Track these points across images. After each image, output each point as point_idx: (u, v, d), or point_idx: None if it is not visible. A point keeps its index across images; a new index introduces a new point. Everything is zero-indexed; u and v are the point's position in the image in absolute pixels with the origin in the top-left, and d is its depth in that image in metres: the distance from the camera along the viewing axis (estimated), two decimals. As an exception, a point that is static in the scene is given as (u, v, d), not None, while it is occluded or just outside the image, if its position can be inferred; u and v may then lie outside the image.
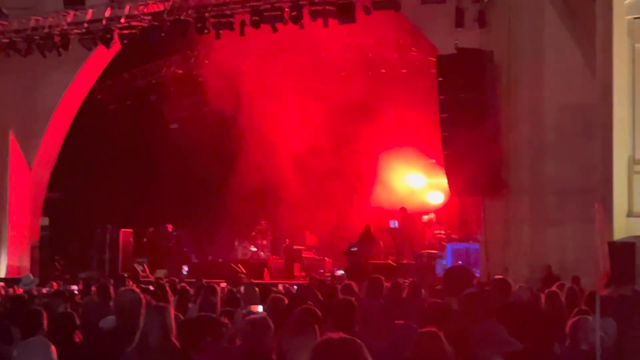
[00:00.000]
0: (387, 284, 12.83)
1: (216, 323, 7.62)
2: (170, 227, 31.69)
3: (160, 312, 7.53)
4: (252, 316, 8.11)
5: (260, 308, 11.28)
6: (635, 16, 23.59)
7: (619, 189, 23.41)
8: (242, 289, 15.18)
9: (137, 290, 9.24)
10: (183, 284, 17.17)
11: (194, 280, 20.89)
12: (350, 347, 3.63)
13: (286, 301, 10.96)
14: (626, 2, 23.32)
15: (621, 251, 20.50)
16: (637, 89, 24.09)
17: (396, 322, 8.65)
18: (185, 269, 29.37)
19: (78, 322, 8.87)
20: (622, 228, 23.19)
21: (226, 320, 8.55)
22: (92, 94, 32.60)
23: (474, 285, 9.00)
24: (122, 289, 9.48)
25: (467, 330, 6.99)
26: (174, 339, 7.52)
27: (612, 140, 23.21)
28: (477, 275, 24.10)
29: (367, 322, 8.45)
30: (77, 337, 8.59)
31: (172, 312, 7.70)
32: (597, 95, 23.42)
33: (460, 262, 24.46)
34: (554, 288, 12.71)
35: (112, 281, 16.18)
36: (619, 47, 23.43)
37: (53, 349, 4.96)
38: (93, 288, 13.98)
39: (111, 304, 11.57)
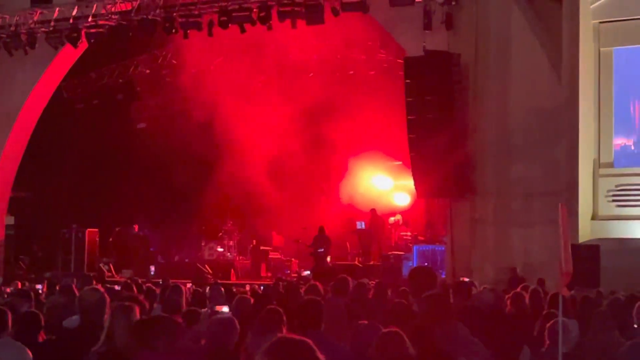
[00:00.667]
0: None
1: (170, 322, 7.61)
2: (136, 227, 31.57)
3: (126, 311, 7.52)
4: (218, 316, 8.11)
5: (225, 308, 11.27)
6: (601, 20, 23.81)
7: (584, 192, 23.62)
8: (207, 289, 15.17)
9: (102, 289, 9.22)
10: (149, 284, 17.11)
11: (160, 280, 20.83)
12: (301, 348, 3.58)
13: (252, 301, 10.97)
14: (592, 6, 23.54)
15: (586, 253, 20.68)
16: (603, 93, 24.31)
17: (360, 322, 8.68)
18: (152, 269, 29.28)
19: (42, 321, 8.82)
20: (587, 231, 23.41)
21: (180, 320, 8.50)
22: (59, 93, 32.41)
23: (438, 286, 9.05)
24: (87, 288, 9.44)
25: (429, 331, 7.02)
26: None
27: (577, 144, 23.41)
28: (443, 276, 24.24)
29: (333, 322, 8.47)
30: (41, 337, 8.54)
31: (138, 311, 7.69)
32: (563, 99, 23.61)
33: (426, 264, 24.56)
34: (518, 290, 12.80)
35: (76, 281, 16.13)
36: (585, 51, 23.63)
37: (27, 349, 4.93)
38: (58, 287, 13.91)
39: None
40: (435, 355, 6.65)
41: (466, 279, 14.54)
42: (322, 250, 28.84)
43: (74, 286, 12.37)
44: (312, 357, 3.54)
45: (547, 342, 8.79)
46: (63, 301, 11.41)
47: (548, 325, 8.94)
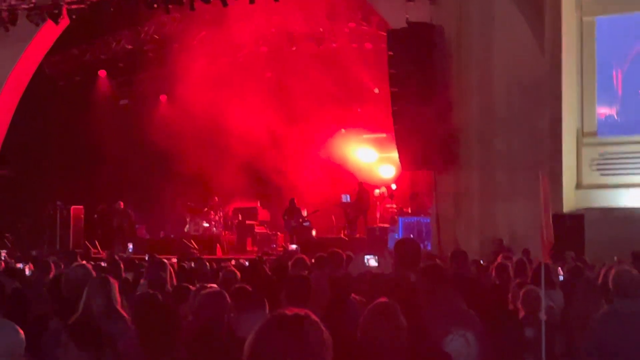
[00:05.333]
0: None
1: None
2: (121, 204, 31.50)
3: (103, 282, 7.59)
4: (208, 290, 8.11)
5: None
6: (583, -10, 23.86)
7: (567, 161, 23.75)
8: (192, 264, 15.17)
9: (88, 266, 9.23)
10: (134, 260, 17.11)
11: (146, 256, 20.82)
12: (305, 324, 3.42)
13: (239, 275, 10.99)
14: (574, -24, 23.57)
15: (571, 223, 20.83)
16: (586, 63, 24.38)
17: (352, 295, 8.72)
18: (130, 246, 29.18)
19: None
20: (572, 200, 23.55)
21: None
22: (41, 70, 32.24)
23: (423, 257, 9.09)
24: (74, 264, 9.46)
25: (424, 303, 7.07)
26: (119, 307, 7.61)
27: (561, 114, 23.51)
28: (429, 248, 24.34)
29: (320, 297, 8.49)
30: (30, 314, 8.59)
31: (117, 285, 7.74)
32: (546, 70, 23.66)
33: (411, 236, 24.62)
34: (499, 260, 12.87)
35: (62, 258, 16.13)
36: (567, 20, 23.69)
37: (19, 330, 4.93)
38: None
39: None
40: (427, 327, 6.69)
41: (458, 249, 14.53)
42: (308, 223, 28.92)
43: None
44: (316, 335, 3.43)
45: (522, 311, 8.83)
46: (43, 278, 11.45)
47: (522, 293, 8.98)
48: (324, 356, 3.43)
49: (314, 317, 3.49)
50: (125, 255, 20.56)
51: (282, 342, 3.39)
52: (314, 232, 29.22)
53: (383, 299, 5.96)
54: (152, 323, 5.50)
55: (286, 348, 3.38)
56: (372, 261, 15.17)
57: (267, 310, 6.63)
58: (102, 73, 35.10)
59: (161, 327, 5.39)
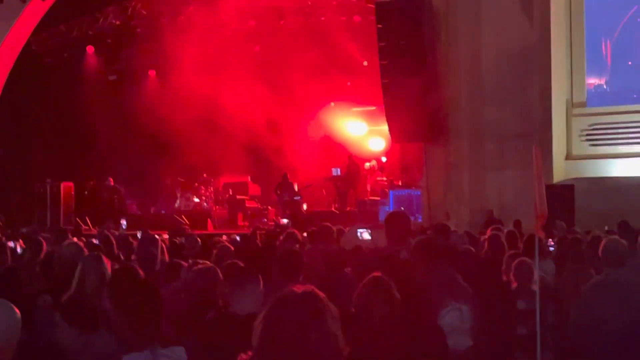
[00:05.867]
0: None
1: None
2: (111, 180, 31.44)
3: (95, 260, 7.59)
4: (199, 266, 8.10)
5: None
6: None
7: (557, 132, 23.78)
8: (183, 240, 15.14)
9: (80, 243, 9.23)
10: (125, 237, 17.04)
11: (137, 232, 20.79)
12: (317, 300, 3.48)
13: (233, 249, 11.00)
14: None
15: (561, 193, 20.86)
16: (575, 33, 24.37)
17: (344, 270, 8.72)
18: (123, 222, 29.11)
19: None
20: (561, 171, 23.61)
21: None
22: (28, 47, 32.08)
23: (414, 230, 9.12)
24: (66, 242, 9.45)
25: (419, 276, 7.10)
26: None
27: (550, 84, 23.51)
28: (420, 220, 24.38)
29: (313, 271, 8.49)
30: (23, 292, 8.58)
31: (108, 262, 7.73)
32: (534, 40, 23.63)
33: (402, 208, 24.65)
34: (489, 232, 12.87)
35: (52, 235, 16.09)
36: (556, -9, 23.64)
37: (15, 309, 4.91)
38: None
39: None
40: (426, 301, 6.72)
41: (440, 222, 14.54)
42: (299, 197, 28.93)
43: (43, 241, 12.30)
44: (325, 313, 3.45)
45: (515, 282, 8.87)
46: (29, 257, 11.41)
47: (514, 264, 9.01)
48: (335, 330, 3.48)
49: (320, 293, 3.53)
50: (118, 233, 20.47)
51: (297, 319, 3.43)
52: (305, 207, 29.24)
53: (377, 274, 5.97)
54: (128, 297, 5.44)
55: (301, 325, 3.43)
56: (365, 234, 15.20)
57: (261, 286, 6.62)
58: (89, 49, 34.94)
59: (138, 301, 5.32)
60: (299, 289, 3.51)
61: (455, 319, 7.13)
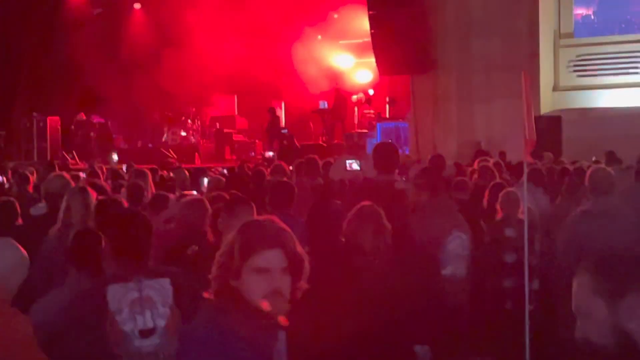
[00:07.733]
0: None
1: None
2: (98, 115, 31.27)
3: (81, 191, 7.56)
4: (188, 198, 8.11)
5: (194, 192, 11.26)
6: None
7: (545, 63, 23.74)
8: (171, 173, 15.12)
9: (67, 176, 9.19)
10: (113, 170, 17.02)
11: (124, 165, 20.77)
12: (269, 223, 3.63)
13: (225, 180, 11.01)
14: None
15: (548, 124, 20.91)
16: (562, -37, 24.19)
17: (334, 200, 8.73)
18: (114, 157, 28.99)
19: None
20: (549, 102, 23.62)
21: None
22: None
23: (402, 161, 9.15)
24: (52, 174, 9.40)
25: (419, 206, 7.19)
26: None
27: (537, 15, 23.40)
28: (407, 152, 24.41)
29: (303, 201, 8.51)
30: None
31: (94, 194, 7.70)
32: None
33: (390, 141, 24.65)
34: (476, 164, 12.92)
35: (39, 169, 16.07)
36: None
37: (22, 250, 4.87)
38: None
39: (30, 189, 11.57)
40: (430, 228, 6.80)
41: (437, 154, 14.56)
42: (286, 130, 28.88)
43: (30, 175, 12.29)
44: (280, 230, 3.56)
45: (500, 212, 8.91)
46: (18, 190, 11.39)
47: (500, 195, 9.04)
48: None
49: (276, 219, 3.70)
50: (106, 167, 20.43)
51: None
52: (295, 141, 29.22)
53: (366, 202, 5.99)
54: (113, 226, 5.40)
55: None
56: (354, 165, 15.19)
57: (255, 213, 6.62)
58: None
59: (123, 230, 5.28)
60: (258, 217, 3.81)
61: (457, 247, 7.28)
